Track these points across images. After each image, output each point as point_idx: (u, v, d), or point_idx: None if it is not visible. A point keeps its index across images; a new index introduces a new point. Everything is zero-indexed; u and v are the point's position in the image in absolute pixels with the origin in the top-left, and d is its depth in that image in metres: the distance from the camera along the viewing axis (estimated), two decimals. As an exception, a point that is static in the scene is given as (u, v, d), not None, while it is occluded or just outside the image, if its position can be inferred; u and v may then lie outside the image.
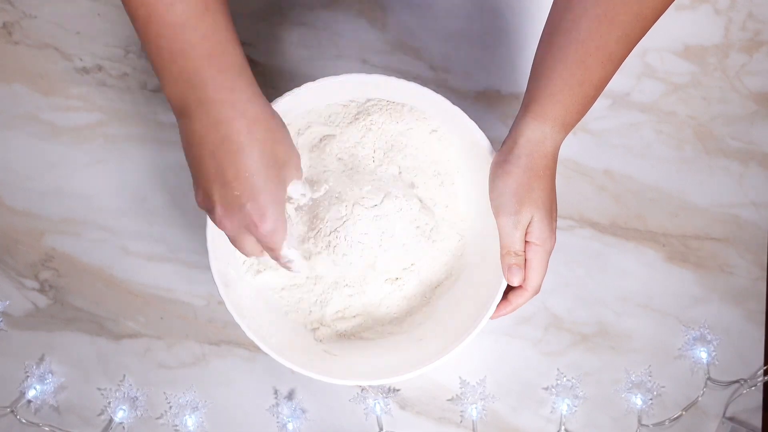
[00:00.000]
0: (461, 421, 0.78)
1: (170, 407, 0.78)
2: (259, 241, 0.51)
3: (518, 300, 0.64)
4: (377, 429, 0.78)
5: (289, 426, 0.77)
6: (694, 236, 0.81)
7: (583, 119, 0.67)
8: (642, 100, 0.81)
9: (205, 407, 0.78)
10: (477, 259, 0.69)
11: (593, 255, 0.80)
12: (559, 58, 0.58)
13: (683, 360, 0.80)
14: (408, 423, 0.78)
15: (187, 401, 0.78)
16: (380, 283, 0.69)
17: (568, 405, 0.78)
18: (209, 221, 0.64)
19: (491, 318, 0.64)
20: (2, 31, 0.80)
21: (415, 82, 0.64)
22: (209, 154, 0.46)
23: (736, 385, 0.79)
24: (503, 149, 0.62)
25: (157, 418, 0.78)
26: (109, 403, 0.78)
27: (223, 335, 0.79)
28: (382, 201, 0.66)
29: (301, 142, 0.69)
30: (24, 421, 0.77)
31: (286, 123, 0.54)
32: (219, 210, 0.49)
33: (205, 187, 0.48)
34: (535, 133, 0.59)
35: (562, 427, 0.78)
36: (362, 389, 0.78)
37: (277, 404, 0.78)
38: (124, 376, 0.78)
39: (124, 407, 0.77)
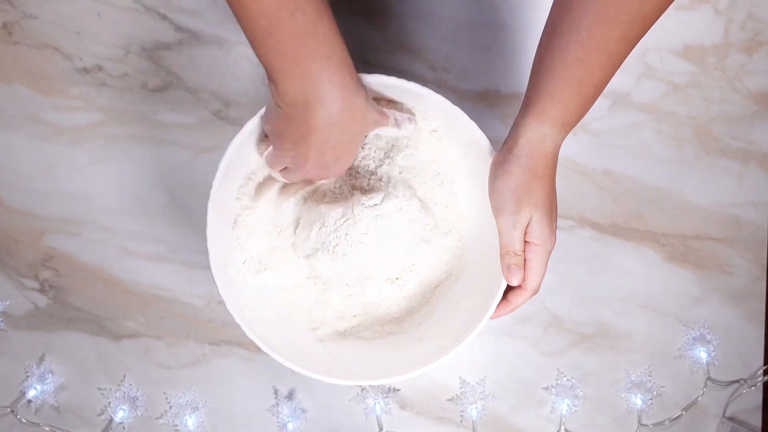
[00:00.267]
0: (461, 421, 0.78)
1: (170, 407, 0.78)
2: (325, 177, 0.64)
3: (517, 300, 0.64)
4: (377, 429, 0.78)
5: (289, 426, 0.77)
6: (694, 236, 0.81)
7: (583, 119, 0.67)
8: (642, 100, 0.81)
9: (205, 407, 0.78)
10: (477, 259, 0.69)
11: (593, 255, 0.80)
12: (559, 58, 0.58)
13: (683, 360, 0.80)
14: (408, 423, 0.78)
15: (187, 401, 0.78)
16: (380, 283, 0.69)
17: (568, 405, 0.78)
18: (209, 221, 0.64)
19: (491, 318, 0.64)
20: (2, 31, 0.80)
21: (415, 82, 0.64)
22: (316, 133, 0.56)
23: (736, 385, 0.79)
24: (503, 149, 0.62)
25: (157, 418, 0.78)
26: (109, 403, 0.78)
27: (223, 335, 0.79)
28: (382, 201, 0.66)
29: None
30: (24, 420, 0.77)
31: None
32: (309, 166, 0.59)
33: (304, 153, 0.58)
34: (535, 133, 0.59)
35: (562, 427, 0.78)
36: (362, 389, 0.78)
37: (277, 404, 0.78)
38: (124, 376, 0.78)
39: (124, 407, 0.77)
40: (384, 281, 0.69)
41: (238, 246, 0.68)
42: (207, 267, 0.64)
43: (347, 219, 0.65)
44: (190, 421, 0.77)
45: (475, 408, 0.78)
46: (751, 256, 0.81)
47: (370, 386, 0.78)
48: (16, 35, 0.80)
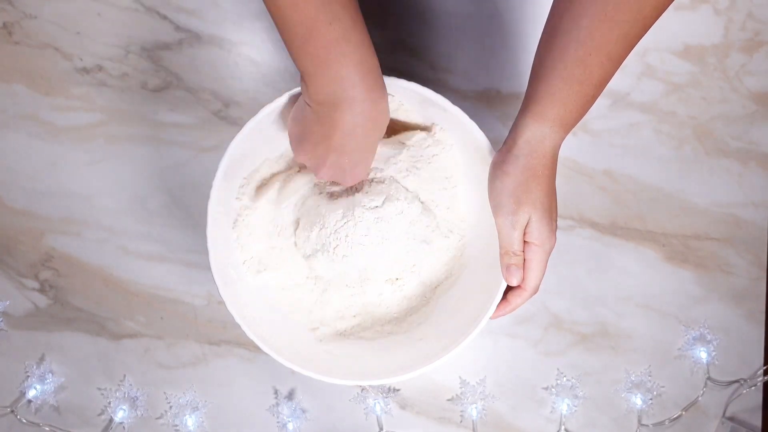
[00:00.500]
0: (461, 421, 0.78)
1: (170, 407, 0.78)
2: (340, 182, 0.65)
3: (517, 300, 0.64)
4: (377, 429, 0.78)
5: (289, 426, 0.77)
6: (694, 236, 0.81)
7: (583, 119, 0.67)
8: (642, 100, 0.81)
9: (205, 407, 0.78)
10: (477, 259, 0.69)
11: (593, 255, 0.80)
12: (559, 58, 0.58)
13: (683, 360, 0.80)
14: (408, 423, 0.78)
15: (187, 401, 0.78)
16: (380, 283, 0.69)
17: (568, 405, 0.78)
18: (209, 221, 0.64)
19: (491, 318, 0.64)
20: (2, 31, 0.80)
21: (415, 82, 0.64)
22: (339, 133, 0.58)
23: (736, 384, 0.79)
24: (502, 149, 0.62)
25: (157, 418, 0.78)
26: (109, 403, 0.78)
27: (223, 335, 0.79)
28: (383, 203, 0.66)
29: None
30: (24, 420, 0.77)
31: (284, 124, 0.64)
32: (325, 169, 0.61)
33: (323, 154, 0.60)
34: (535, 133, 0.59)
35: (562, 427, 0.78)
36: (362, 389, 0.78)
37: (277, 404, 0.78)
38: (124, 376, 0.78)
39: (124, 407, 0.77)
40: (384, 282, 0.69)
41: (238, 246, 0.68)
42: (207, 267, 0.64)
43: (348, 221, 0.65)
44: (190, 421, 0.77)
45: (475, 408, 0.78)
46: (751, 256, 0.81)
47: (370, 386, 0.78)
48: (16, 35, 0.80)
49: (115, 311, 0.79)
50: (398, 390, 0.78)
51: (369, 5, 0.80)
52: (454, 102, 0.64)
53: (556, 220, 0.62)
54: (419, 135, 0.68)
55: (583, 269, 0.80)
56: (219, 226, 0.65)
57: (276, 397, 0.78)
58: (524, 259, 0.62)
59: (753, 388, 0.79)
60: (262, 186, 0.68)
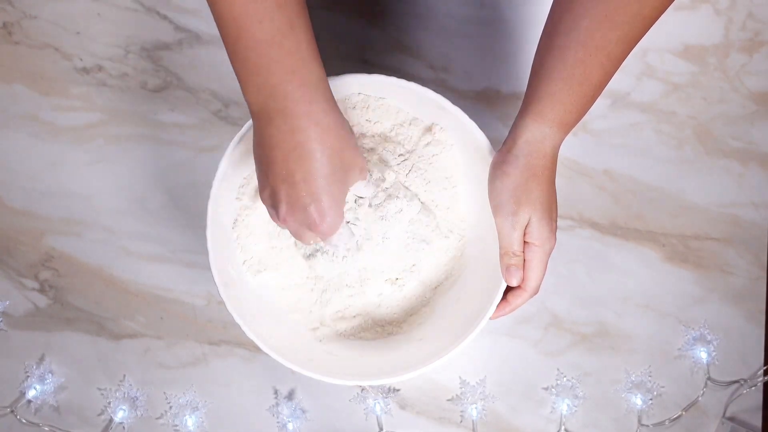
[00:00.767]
0: (461, 421, 0.78)
1: (170, 407, 0.78)
2: (317, 235, 0.56)
3: (517, 300, 0.64)
4: (377, 429, 0.78)
5: (289, 426, 0.77)
6: (694, 236, 0.81)
7: (583, 119, 0.67)
8: (642, 100, 0.81)
9: (205, 407, 0.78)
10: (477, 259, 0.69)
11: (593, 255, 0.80)
12: (559, 58, 0.58)
13: (683, 360, 0.80)
14: (408, 423, 0.78)
15: (187, 401, 0.78)
16: (380, 283, 0.69)
17: (568, 405, 0.78)
18: (209, 221, 0.64)
19: (491, 318, 0.64)
20: (2, 31, 0.80)
21: (414, 82, 0.64)
22: (282, 157, 0.51)
23: (736, 385, 0.79)
24: (502, 149, 0.62)
25: (157, 418, 0.78)
26: (109, 403, 0.78)
27: (223, 335, 0.79)
28: (382, 202, 0.66)
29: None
30: (24, 421, 0.77)
31: None
32: (284, 208, 0.53)
33: (273, 186, 0.53)
34: (534, 133, 0.59)
35: (562, 427, 0.78)
36: (362, 389, 0.78)
37: (277, 404, 0.78)
38: (124, 376, 0.78)
39: (124, 407, 0.77)
40: (384, 282, 0.69)
41: (238, 246, 0.68)
42: (207, 267, 0.64)
43: (347, 220, 0.65)
44: (190, 421, 0.77)
45: (475, 408, 0.78)
46: (751, 256, 0.81)
47: (370, 386, 0.78)
48: (16, 35, 0.80)
49: (115, 311, 0.79)
50: (398, 390, 0.79)
51: (368, 5, 0.80)
52: (453, 102, 0.64)
53: (556, 221, 0.62)
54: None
55: (583, 269, 0.80)
56: (219, 226, 0.65)
57: (276, 397, 0.78)
58: (524, 260, 0.62)
59: (753, 388, 0.79)
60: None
